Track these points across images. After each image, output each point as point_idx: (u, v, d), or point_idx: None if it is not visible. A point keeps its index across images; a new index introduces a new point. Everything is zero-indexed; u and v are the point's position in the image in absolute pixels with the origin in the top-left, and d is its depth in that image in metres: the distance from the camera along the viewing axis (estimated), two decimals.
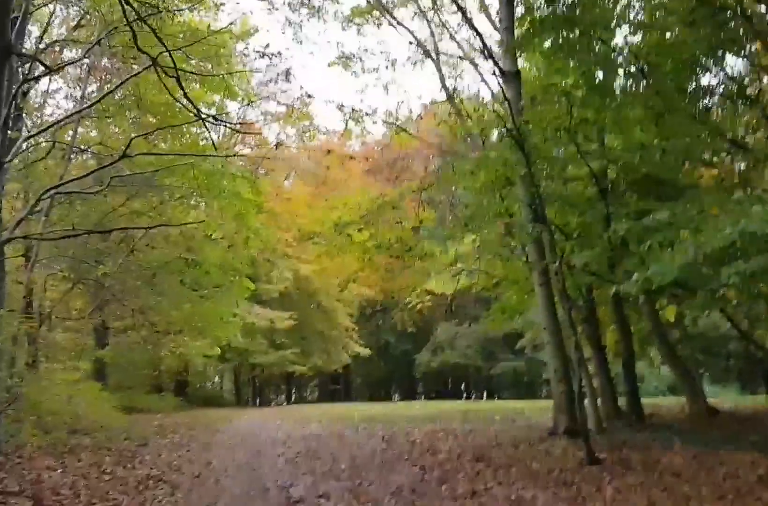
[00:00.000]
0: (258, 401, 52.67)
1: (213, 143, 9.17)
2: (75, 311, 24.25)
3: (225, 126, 10.68)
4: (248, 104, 22.70)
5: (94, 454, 12.74)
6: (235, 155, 20.45)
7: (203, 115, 7.56)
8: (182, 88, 7.51)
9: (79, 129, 22.36)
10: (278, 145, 17.47)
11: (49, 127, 15.09)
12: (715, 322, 25.48)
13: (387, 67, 24.19)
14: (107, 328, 29.83)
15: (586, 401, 13.78)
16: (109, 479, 10.38)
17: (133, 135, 14.37)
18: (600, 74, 12.78)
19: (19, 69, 17.31)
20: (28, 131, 17.68)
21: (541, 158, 12.87)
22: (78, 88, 22.05)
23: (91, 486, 9.72)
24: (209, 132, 7.57)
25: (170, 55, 6.90)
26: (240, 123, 9.40)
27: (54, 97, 33.45)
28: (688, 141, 12.80)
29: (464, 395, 54.60)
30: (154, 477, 10.68)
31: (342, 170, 37.27)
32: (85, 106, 16.10)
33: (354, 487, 9.71)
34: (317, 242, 17.24)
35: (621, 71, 12.91)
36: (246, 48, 18.47)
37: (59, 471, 10.70)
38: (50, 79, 23.05)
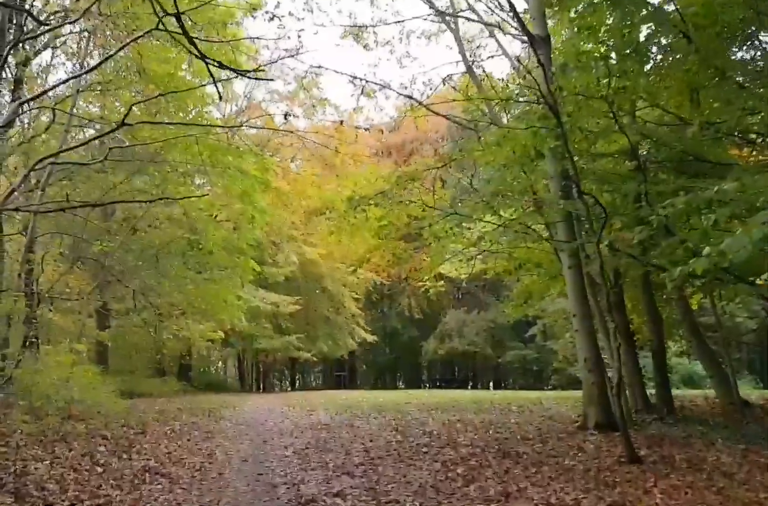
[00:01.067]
0: (262, 386, 51.96)
1: (219, 93, 8.06)
2: (69, 290, 23.23)
3: (234, 73, 9.75)
4: (259, 67, 21.38)
5: (87, 443, 11.76)
6: (241, 126, 19.36)
7: (209, 61, 6.53)
8: (186, 34, 6.50)
9: (80, 103, 21.37)
10: (286, 115, 16.33)
11: (45, 91, 14.05)
12: (731, 311, 24.51)
13: (401, 40, 23.13)
14: (109, 310, 28.92)
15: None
16: (101, 471, 9.43)
17: (134, 102, 13.34)
18: (641, 35, 11.66)
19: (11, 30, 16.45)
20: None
21: (575, 129, 11.80)
22: (77, 61, 21.03)
23: (81, 480, 8.78)
24: (216, 83, 6.60)
25: (177, 9, 5.90)
26: (252, 70, 8.41)
27: (55, 73, 32.41)
28: (737, 114, 11.67)
29: (472, 384, 53.69)
30: (151, 470, 9.75)
31: (350, 150, 36.16)
32: (84, 70, 15.00)
33: (371, 485, 8.79)
34: (330, 218, 16.13)
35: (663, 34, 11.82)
36: (254, 17, 17.26)
37: (47, 461, 9.73)
38: (52, 55, 22.08)
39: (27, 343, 20.15)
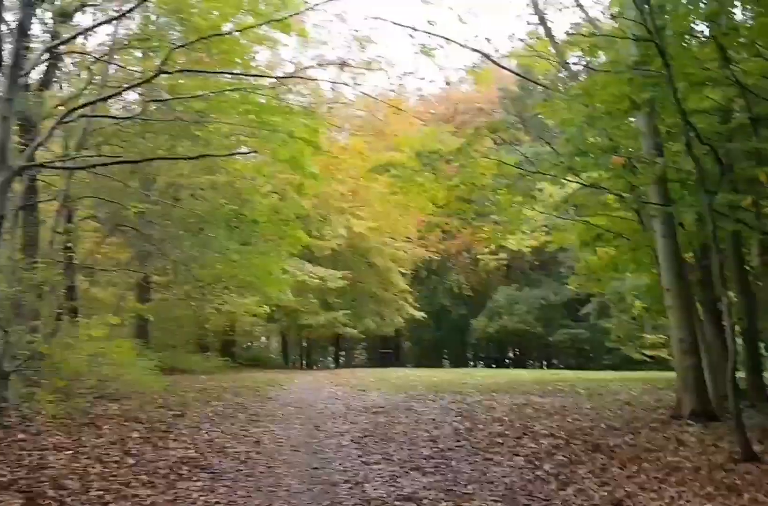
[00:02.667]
0: (306, 363, 51.02)
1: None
2: (107, 261, 22.24)
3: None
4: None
5: (119, 427, 10.49)
6: (294, 77, 17.75)
7: None
8: None
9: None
10: (343, 65, 14.80)
11: (75, 36, 12.69)
12: None
13: None
14: (149, 283, 27.84)
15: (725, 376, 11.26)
16: (132, 463, 8.12)
17: (173, 46, 11.95)
18: None
19: None
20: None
21: (679, 75, 10.12)
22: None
23: (107, 475, 7.47)
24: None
25: None
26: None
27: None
28: None
29: (521, 363, 52.06)
30: (190, 461, 8.44)
31: (401, 119, 34.65)
32: (119, 14, 13.58)
33: (447, 485, 7.39)
34: (395, 176, 14.54)
35: None
36: None
37: (70, 452, 8.45)
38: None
39: (60, 316, 19.18)
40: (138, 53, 19.34)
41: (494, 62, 15.82)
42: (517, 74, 17.77)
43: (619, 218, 14.37)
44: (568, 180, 12.31)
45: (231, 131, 19.15)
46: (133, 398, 13.69)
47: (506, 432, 10.63)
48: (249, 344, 48.29)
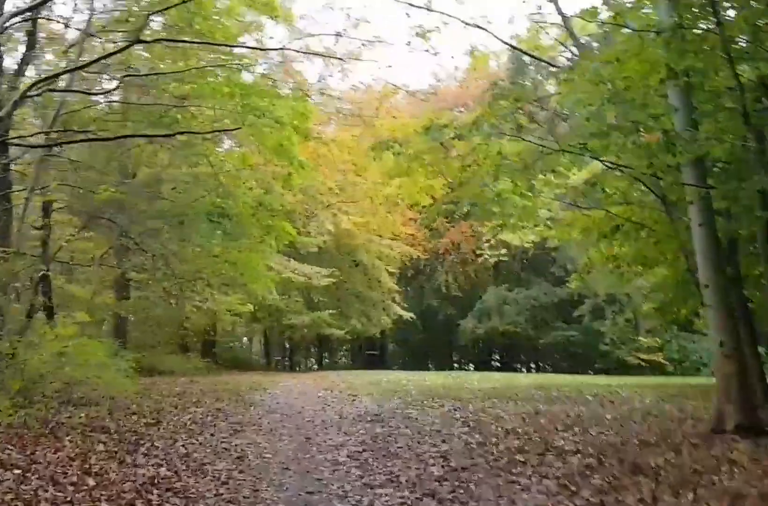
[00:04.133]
0: (288, 365, 49.66)
1: None
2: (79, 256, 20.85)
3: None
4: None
5: (82, 439, 9.07)
6: (284, 49, 16.43)
7: None
8: None
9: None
10: (338, 35, 13.44)
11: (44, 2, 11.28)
12: None
13: None
14: (128, 280, 26.41)
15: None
16: (92, 485, 6.77)
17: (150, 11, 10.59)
18: None
19: None
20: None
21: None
22: None
23: (60, 502, 6.14)
24: None
25: None
26: None
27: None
28: None
29: (511, 365, 50.70)
30: (161, 483, 7.12)
31: (388, 115, 33.59)
32: None
33: None
34: (397, 152, 13.11)
35: None
36: None
37: (19, 471, 7.08)
38: None
39: (31, 313, 17.94)
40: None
41: (501, 40, 14.55)
42: (524, 52, 16.53)
43: (641, 207, 13.08)
44: (597, 159, 10.93)
45: (215, 118, 17.85)
46: (102, 403, 12.28)
47: (525, 448, 9.29)
48: (231, 344, 46.88)
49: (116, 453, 8.37)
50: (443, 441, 9.97)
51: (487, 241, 27.21)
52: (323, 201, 36.48)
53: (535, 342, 46.96)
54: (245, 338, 54.14)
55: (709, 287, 10.13)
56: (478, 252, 31.51)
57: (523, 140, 11.43)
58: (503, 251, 28.46)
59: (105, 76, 17.99)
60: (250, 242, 21.33)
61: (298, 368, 48.99)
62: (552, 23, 15.88)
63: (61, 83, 15.68)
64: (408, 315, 42.13)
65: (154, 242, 20.40)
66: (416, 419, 12.62)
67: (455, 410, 14.15)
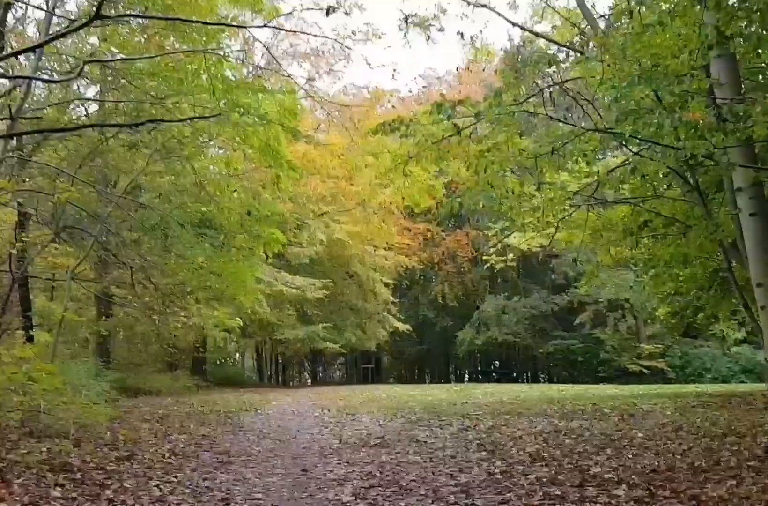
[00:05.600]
0: (281, 380, 48.38)
1: None
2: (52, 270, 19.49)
3: None
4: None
5: (37, 480, 7.62)
6: (269, 27, 15.17)
7: None
8: None
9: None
10: (330, 10, 12.24)
11: None
12: None
13: None
14: (111, 296, 25.03)
15: None
16: None
17: None
18: None
19: None
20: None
21: None
22: None
23: None
24: None
25: None
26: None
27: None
28: None
29: (512, 376, 49.38)
30: None
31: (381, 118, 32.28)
32: None
33: None
34: (404, 134, 11.83)
35: None
36: None
37: None
38: None
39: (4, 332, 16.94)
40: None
41: (508, 20, 13.36)
42: (535, 33, 15.32)
43: (672, 200, 11.79)
44: (638, 137, 9.63)
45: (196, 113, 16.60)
46: (71, 434, 10.84)
47: (559, 478, 7.92)
48: (221, 361, 45.54)
49: (75, 500, 6.96)
50: (461, 471, 8.59)
51: (493, 246, 26.04)
52: (314, 210, 35.18)
53: (535, 351, 45.97)
54: (237, 354, 52.87)
55: (763, 286, 8.81)
56: (483, 258, 30.38)
57: (552, 118, 10.14)
58: (510, 256, 27.21)
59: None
60: (238, 251, 20.07)
61: (291, 384, 47.73)
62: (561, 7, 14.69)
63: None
64: (405, 327, 40.91)
65: (133, 254, 19.05)
66: (425, 442, 11.25)
67: (465, 429, 12.79)
